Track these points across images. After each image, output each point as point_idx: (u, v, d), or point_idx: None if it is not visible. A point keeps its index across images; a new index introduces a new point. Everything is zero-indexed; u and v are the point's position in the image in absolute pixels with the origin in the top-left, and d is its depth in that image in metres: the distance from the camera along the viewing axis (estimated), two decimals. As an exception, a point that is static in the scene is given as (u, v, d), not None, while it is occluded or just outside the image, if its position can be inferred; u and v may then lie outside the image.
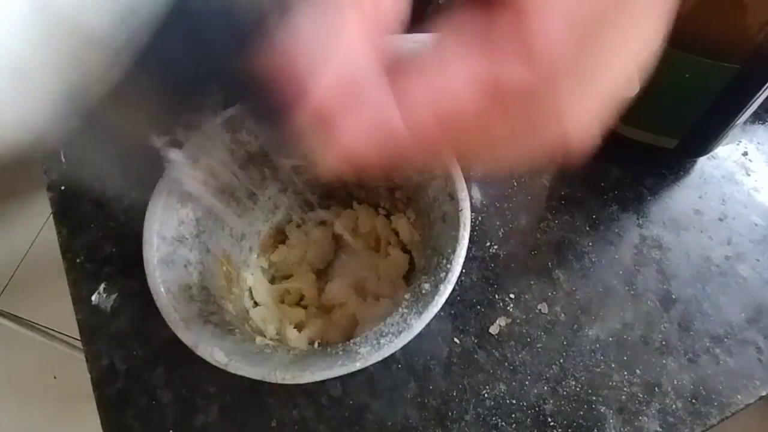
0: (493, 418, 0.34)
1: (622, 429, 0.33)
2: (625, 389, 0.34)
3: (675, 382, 0.34)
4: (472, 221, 0.30)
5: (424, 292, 0.28)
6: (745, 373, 0.34)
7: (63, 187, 0.43)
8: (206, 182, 0.31)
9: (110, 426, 0.35)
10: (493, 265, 0.38)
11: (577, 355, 0.35)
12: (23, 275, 1.19)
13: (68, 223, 0.41)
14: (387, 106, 0.15)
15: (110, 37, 0.13)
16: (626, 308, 0.37)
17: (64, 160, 0.44)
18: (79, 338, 0.37)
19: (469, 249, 0.28)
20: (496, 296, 0.37)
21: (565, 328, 0.36)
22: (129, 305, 0.38)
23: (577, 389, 0.34)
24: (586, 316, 0.36)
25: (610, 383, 0.34)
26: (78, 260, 0.40)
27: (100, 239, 0.40)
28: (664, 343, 0.36)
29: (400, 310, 0.28)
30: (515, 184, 0.41)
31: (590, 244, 0.39)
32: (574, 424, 0.33)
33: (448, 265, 0.28)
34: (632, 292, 0.37)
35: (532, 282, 0.38)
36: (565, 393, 0.34)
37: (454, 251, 0.28)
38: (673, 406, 0.34)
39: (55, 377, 1.06)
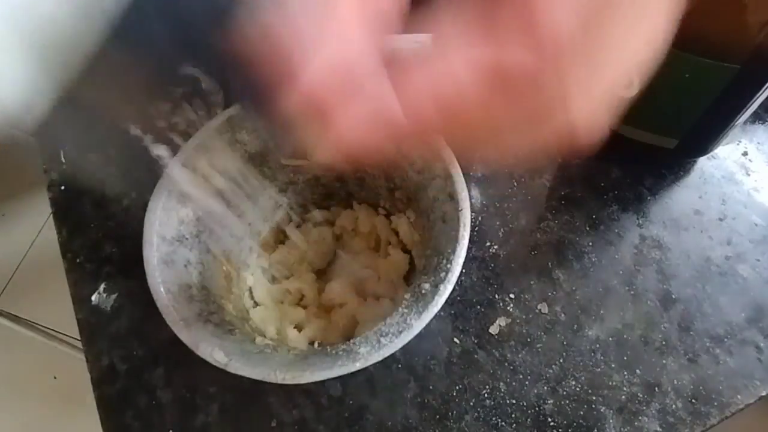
0: (493, 418, 0.34)
1: (622, 429, 0.33)
2: (625, 389, 0.34)
3: (675, 382, 0.34)
4: (472, 221, 0.30)
5: (424, 292, 0.28)
6: (745, 373, 0.34)
7: (63, 187, 0.43)
8: (206, 183, 0.31)
9: (110, 426, 0.35)
10: (493, 265, 0.38)
11: (577, 355, 0.35)
12: (23, 275, 1.19)
13: (68, 223, 0.41)
14: (384, 92, 0.14)
15: (84, 11, 0.13)
16: (626, 308, 0.37)
17: (64, 160, 0.44)
18: (79, 338, 0.37)
19: (469, 249, 0.28)
20: (496, 296, 0.37)
21: (565, 328, 0.36)
22: (129, 305, 0.38)
23: (577, 389, 0.34)
24: (586, 316, 0.36)
25: (610, 383, 0.34)
26: (78, 260, 0.40)
27: (100, 239, 0.40)
28: (664, 343, 0.36)
29: (400, 310, 0.28)
30: (515, 184, 0.41)
31: (590, 244, 0.39)
32: (574, 424, 0.33)
33: (448, 265, 0.28)
34: (632, 292, 0.37)
35: (532, 282, 0.38)
36: (565, 393, 0.34)
37: (454, 251, 0.28)
38: (673, 406, 0.34)
39: (55, 377, 1.06)
